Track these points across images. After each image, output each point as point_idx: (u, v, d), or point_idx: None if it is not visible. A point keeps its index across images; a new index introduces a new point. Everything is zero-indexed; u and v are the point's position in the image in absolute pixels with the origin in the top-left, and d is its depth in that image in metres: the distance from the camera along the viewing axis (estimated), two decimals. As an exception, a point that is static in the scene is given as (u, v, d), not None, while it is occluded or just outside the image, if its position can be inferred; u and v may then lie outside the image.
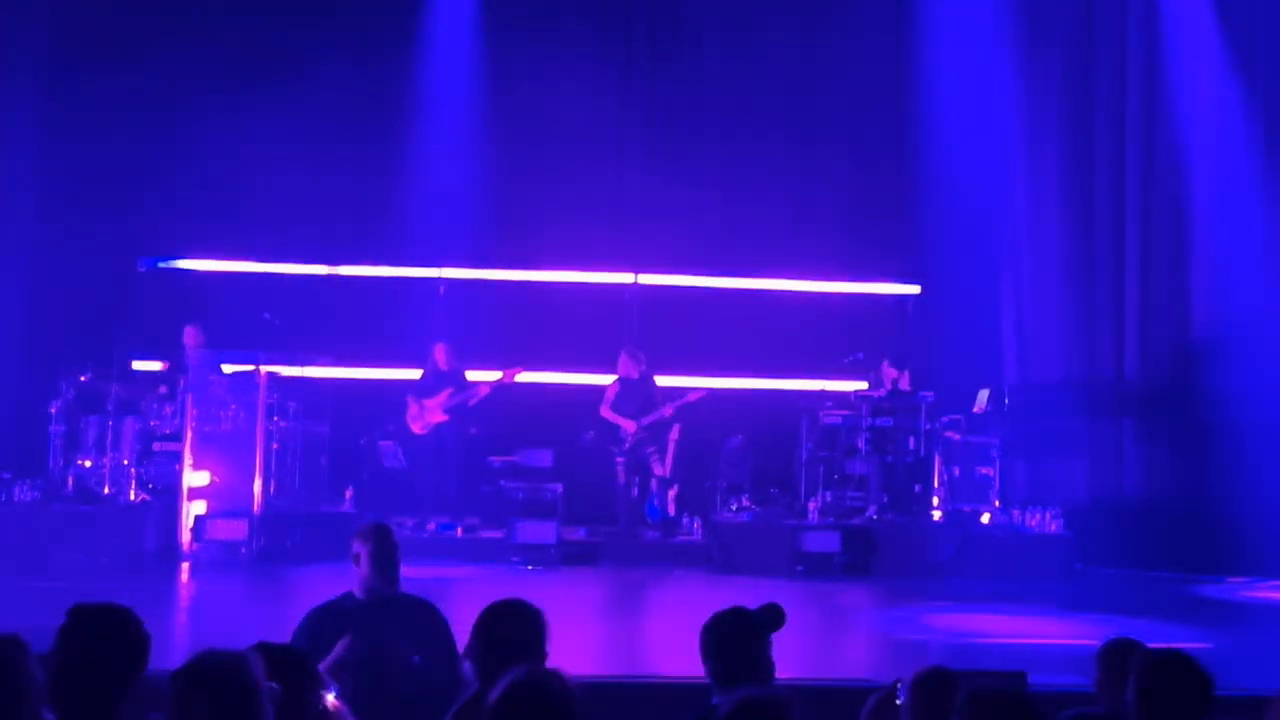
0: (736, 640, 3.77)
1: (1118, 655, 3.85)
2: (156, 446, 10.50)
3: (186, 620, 8.37)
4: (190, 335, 10.87)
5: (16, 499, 10.30)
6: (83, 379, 10.60)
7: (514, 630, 3.63)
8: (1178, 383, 11.24)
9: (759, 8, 12.12)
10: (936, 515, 10.67)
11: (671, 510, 11.18)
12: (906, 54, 11.98)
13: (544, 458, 10.91)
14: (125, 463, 10.41)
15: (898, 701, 3.61)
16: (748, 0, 12.18)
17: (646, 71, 12.35)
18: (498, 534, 10.63)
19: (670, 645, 7.35)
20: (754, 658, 3.75)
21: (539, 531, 10.44)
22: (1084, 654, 6.51)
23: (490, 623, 3.67)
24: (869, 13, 12.10)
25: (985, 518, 10.70)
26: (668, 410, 11.08)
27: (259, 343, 10.80)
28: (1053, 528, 10.58)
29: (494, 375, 11.16)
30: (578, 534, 10.92)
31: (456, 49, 12.10)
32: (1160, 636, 4.22)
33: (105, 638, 3.03)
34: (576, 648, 7.14)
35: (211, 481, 10.46)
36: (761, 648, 3.78)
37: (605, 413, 11.17)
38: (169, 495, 10.27)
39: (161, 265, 11.86)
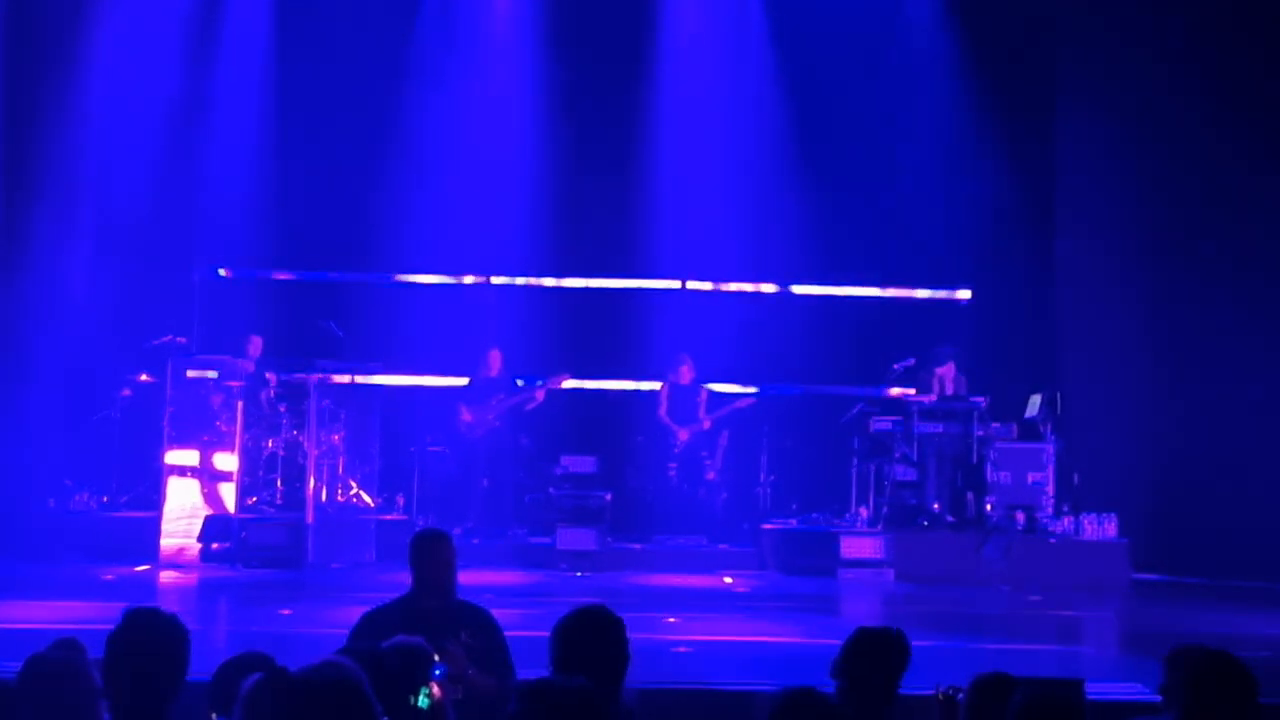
0: (882, 665, 3.66)
1: (1185, 663, 3.73)
2: (211, 454, 10.62)
3: (235, 625, 8.43)
4: (255, 345, 11.00)
5: (74, 505, 10.46)
6: (138, 382, 10.76)
7: (594, 639, 3.52)
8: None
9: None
10: (988, 522, 10.56)
11: (721, 516, 11.17)
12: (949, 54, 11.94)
13: (588, 464, 10.94)
14: (188, 473, 10.53)
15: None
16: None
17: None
18: (547, 540, 10.67)
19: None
20: (889, 688, 3.64)
21: (581, 538, 10.47)
22: (1139, 662, 6.42)
23: (570, 632, 3.55)
24: (914, 13, 12.06)
25: (1033, 523, 10.58)
26: (706, 423, 11.13)
27: (310, 351, 10.91)
28: (1109, 534, 10.45)
29: (541, 382, 11.20)
30: (625, 540, 10.92)
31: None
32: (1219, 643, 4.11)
33: (151, 640, 3.15)
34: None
35: (259, 487, 10.59)
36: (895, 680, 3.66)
37: (663, 416, 11.24)
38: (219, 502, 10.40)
39: (218, 273, 12.01)
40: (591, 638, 3.50)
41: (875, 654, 3.68)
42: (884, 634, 3.75)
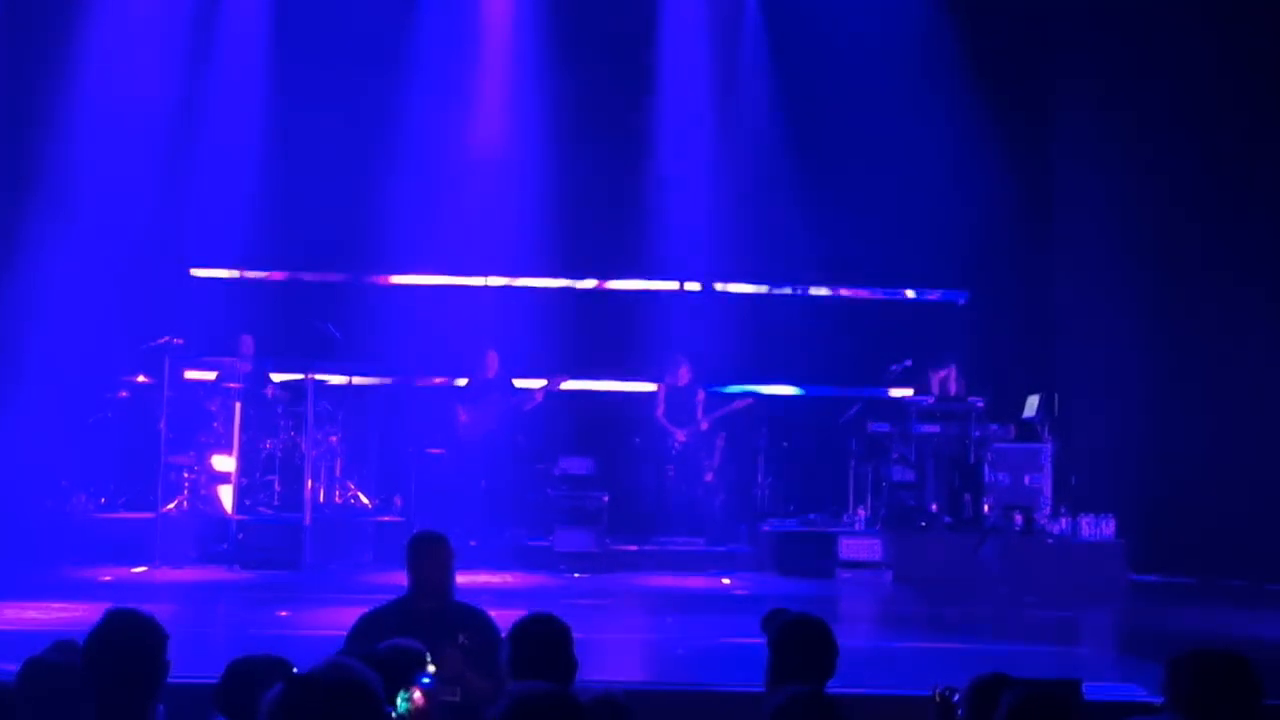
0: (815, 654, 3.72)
1: (1190, 664, 3.71)
2: (209, 455, 10.61)
3: (233, 627, 8.43)
4: (246, 344, 11.00)
5: (71, 507, 10.45)
6: (135, 383, 10.75)
7: (544, 645, 3.62)
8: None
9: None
10: (985, 523, 10.56)
11: (719, 517, 11.17)
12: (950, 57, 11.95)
13: (585, 465, 10.94)
14: (185, 474, 10.52)
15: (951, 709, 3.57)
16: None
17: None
18: (545, 542, 10.66)
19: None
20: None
21: (579, 539, 10.47)
22: (1137, 663, 6.43)
23: (520, 639, 3.66)
24: (912, 14, 12.07)
25: (1031, 524, 10.59)
26: (704, 424, 11.14)
27: (308, 352, 10.90)
28: (1106, 535, 10.45)
29: (539, 383, 11.21)
30: (623, 541, 10.92)
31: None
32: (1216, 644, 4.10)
33: (128, 641, 3.18)
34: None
35: (256, 489, 10.58)
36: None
37: (660, 417, 11.26)
38: (217, 503, 10.39)
39: (214, 274, 11.99)
40: (544, 643, 3.63)
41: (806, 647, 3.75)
42: (808, 622, 3.81)
